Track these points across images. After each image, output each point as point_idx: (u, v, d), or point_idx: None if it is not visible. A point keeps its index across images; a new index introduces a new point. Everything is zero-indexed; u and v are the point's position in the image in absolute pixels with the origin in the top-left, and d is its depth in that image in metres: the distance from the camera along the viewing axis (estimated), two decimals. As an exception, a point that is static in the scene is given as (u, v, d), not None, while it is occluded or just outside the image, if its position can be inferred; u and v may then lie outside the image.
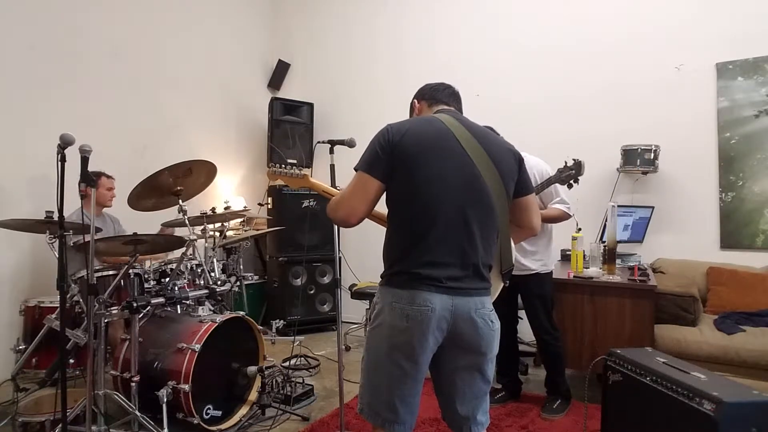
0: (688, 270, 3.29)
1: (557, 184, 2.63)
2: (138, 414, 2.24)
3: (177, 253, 2.85)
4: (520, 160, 1.58)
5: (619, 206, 3.34)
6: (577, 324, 2.89)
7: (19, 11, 3.28)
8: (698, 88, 3.59)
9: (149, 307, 2.54)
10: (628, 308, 2.79)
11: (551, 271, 2.80)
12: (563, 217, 2.71)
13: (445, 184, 1.43)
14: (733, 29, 3.49)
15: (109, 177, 3.25)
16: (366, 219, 1.52)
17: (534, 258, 2.70)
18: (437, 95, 1.68)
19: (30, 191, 3.27)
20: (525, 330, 2.97)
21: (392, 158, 1.45)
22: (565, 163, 2.50)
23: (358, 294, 3.95)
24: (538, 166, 2.69)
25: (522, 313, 2.93)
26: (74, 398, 2.27)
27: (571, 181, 2.51)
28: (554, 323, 2.75)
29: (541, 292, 2.73)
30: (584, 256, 3.08)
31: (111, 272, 2.53)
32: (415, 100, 1.73)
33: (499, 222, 1.50)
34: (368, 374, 1.50)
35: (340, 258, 2.63)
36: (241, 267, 3.19)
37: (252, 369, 2.63)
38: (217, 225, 3.28)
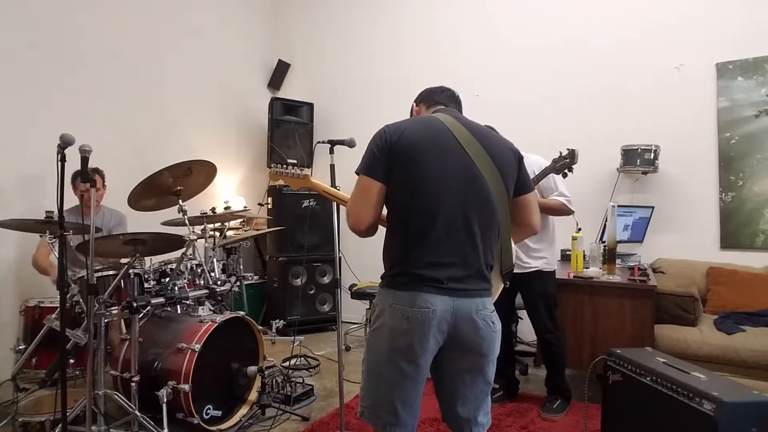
0: (688, 270, 3.28)
1: (556, 178, 2.63)
2: (138, 414, 2.24)
3: (177, 253, 2.85)
4: (519, 159, 1.58)
5: (619, 206, 3.34)
6: (577, 324, 2.89)
7: (19, 11, 3.27)
8: (698, 88, 3.59)
9: (149, 307, 2.53)
10: (628, 308, 2.79)
11: (554, 270, 2.77)
12: (562, 208, 2.66)
13: (444, 184, 1.42)
14: (733, 29, 3.49)
15: (100, 175, 3.09)
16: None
17: (536, 255, 2.68)
18: (435, 97, 1.68)
19: (30, 191, 3.27)
20: (525, 330, 2.97)
21: (390, 158, 1.44)
22: (560, 153, 2.50)
23: (358, 294, 3.95)
24: (538, 162, 2.67)
25: (523, 313, 2.92)
26: (74, 398, 2.27)
27: (566, 171, 2.50)
28: (557, 323, 2.74)
29: (543, 291, 2.71)
30: (584, 256, 3.08)
31: (111, 272, 2.53)
32: (414, 104, 1.73)
33: (499, 221, 1.50)
34: (369, 377, 1.49)
35: (340, 258, 2.63)
36: (241, 267, 3.19)
37: (252, 369, 2.63)
38: (217, 225, 3.28)
